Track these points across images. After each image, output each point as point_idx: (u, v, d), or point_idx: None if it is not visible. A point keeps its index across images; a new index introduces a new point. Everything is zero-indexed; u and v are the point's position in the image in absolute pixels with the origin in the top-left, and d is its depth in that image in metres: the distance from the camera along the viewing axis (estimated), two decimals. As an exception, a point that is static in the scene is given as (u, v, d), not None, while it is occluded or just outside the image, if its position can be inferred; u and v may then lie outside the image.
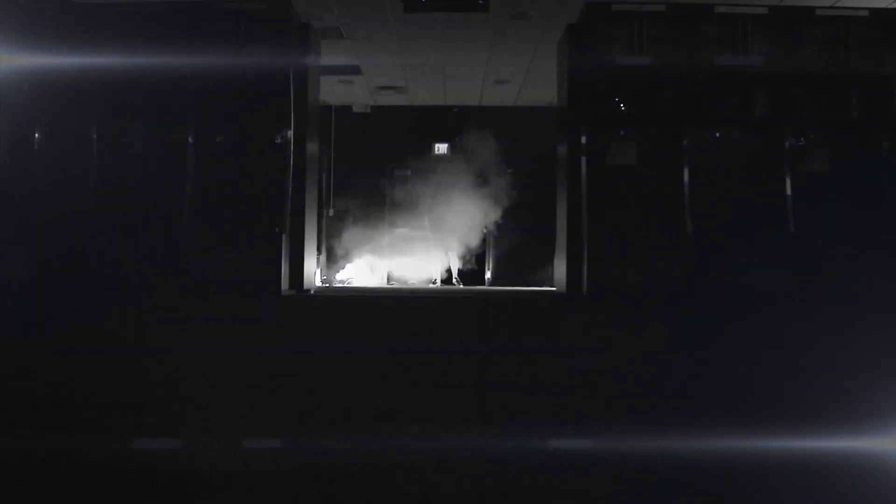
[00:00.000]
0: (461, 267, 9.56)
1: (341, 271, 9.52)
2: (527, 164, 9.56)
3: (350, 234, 9.64)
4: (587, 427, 2.11)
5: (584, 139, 5.76)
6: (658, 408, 2.40)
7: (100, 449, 1.84)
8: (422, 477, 1.66)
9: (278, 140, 5.60)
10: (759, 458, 1.82)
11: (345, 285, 8.97)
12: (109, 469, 1.68)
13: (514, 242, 9.81)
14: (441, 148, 10.06)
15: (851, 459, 1.78)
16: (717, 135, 5.83)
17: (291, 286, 5.77)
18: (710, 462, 1.78)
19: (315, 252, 6.78)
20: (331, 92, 9.28)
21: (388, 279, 9.66)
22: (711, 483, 1.66)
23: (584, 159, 5.76)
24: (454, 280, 9.20)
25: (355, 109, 10.25)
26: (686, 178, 5.72)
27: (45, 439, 1.91)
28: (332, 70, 8.45)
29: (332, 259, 9.70)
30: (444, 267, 9.49)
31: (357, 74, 8.91)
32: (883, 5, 6.31)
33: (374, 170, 10.07)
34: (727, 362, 3.12)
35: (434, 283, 9.01)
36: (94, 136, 5.60)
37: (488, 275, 10.05)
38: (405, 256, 9.55)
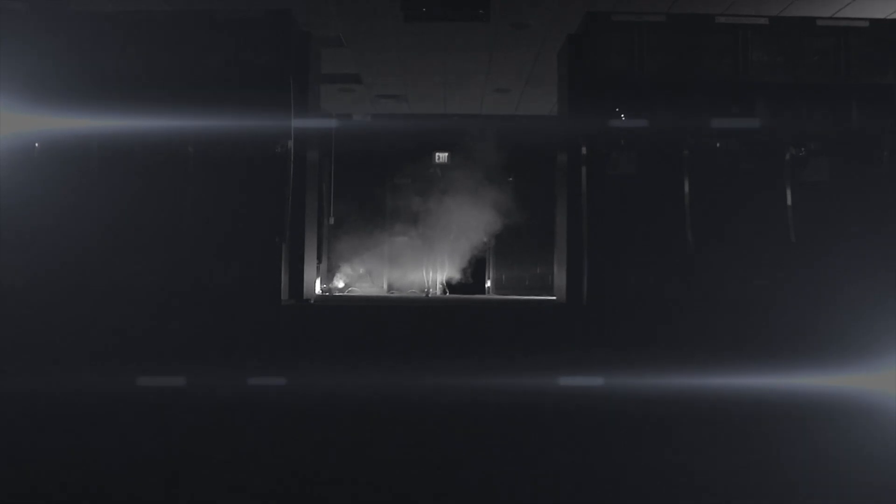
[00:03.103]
0: (458, 278, 9.50)
1: (342, 280, 9.49)
2: (527, 172, 9.56)
3: (350, 243, 9.62)
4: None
5: (584, 149, 5.76)
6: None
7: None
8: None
9: (278, 149, 5.60)
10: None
11: (345, 294, 8.95)
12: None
13: (514, 251, 9.80)
14: (441, 156, 10.07)
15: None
16: (718, 145, 5.82)
17: (291, 295, 5.75)
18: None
19: (315, 261, 6.76)
20: (331, 100, 9.30)
21: (389, 288, 9.64)
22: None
23: (584, 169, 5.76)
24: (430, 291, 9.02)
25: (355, 118, 10.26)
26: (686, 187, 5.72)
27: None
28: (332, 78, 8.48)
29: (332, 268, 9.68)
30: (441, 277, 9.45)
31: (357, 83, 8.93)
32: (883, 16, 6.34)
33: (374, 178, 10.08)
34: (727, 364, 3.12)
35: (426, 293, 8.91)
36: (95, 145, 5.60)
37: (488, 284, 10.04)
38: (405, 265, 9.52)
